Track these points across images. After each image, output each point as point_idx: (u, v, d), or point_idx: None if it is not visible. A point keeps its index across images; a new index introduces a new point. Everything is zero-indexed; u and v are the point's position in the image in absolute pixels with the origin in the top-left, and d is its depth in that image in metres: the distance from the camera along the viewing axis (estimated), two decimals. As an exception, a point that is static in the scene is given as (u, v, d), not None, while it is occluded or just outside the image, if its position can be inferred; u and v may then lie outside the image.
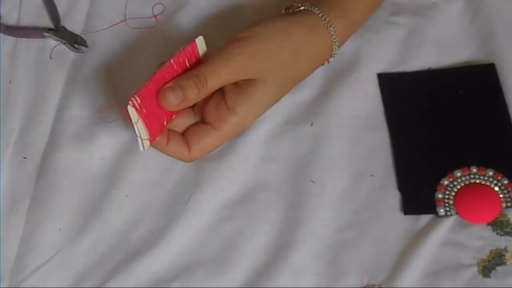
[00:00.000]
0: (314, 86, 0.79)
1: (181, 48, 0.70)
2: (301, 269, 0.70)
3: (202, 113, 0.72)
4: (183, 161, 0.73)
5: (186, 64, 0.71)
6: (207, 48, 0.72)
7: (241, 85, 0.71)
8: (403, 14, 0.82)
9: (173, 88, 0.68)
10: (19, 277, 0.71)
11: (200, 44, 0.72)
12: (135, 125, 0.67)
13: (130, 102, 0.66)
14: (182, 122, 0.72)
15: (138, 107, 0.67)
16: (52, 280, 0.71)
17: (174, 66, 0.69)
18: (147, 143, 0.69)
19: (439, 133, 0.76)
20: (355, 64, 0.80)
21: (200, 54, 0.72)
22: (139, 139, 0.68)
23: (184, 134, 0.72)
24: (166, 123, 0.71)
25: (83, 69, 0.81)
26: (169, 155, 0.72)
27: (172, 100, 0.68)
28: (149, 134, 0.69)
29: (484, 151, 0.75)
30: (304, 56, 0.74)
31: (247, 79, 0.71)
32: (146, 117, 0.68)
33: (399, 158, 0.75)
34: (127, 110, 0.66)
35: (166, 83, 0.69)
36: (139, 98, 0.67)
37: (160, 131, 0.70)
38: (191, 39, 0.71)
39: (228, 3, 0.84)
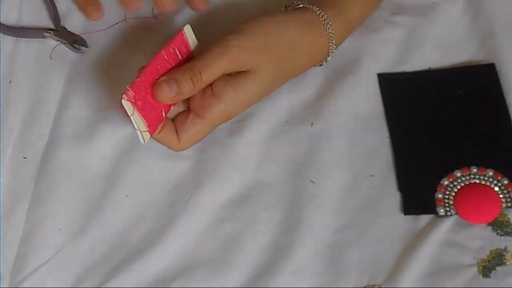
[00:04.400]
0: (314, 86, 0.79)
1: (171, 39, 0.70)
2: (301, 269, 0.70)
3: (187, 99, 0.72)
4: (172, 149, 0.73)
5: (177, 55, 0.71)
6: (204, 43, 0.73)
7: (231, 74, 0.71)
8: (403, 14, 0.82)
9: (168, 81, 0.69)
10: (19, 277, 0.71)
11: (188, 32, 0.72)
12: (131, 117, 0.68)
13: (124, 96, 0.67)
14: (171, 109, 0.72)
15: (133, 100, 0.67)
16: (52, 280, 0.71)
17: (165, 56, 0.70)
18: (146, 135, 0.69)
19: (439, 133, 0.76)
20: (355, 64, 0.80)
21: (190, 42, 0.73)
22: (138, 132, 0.68)
23: (173, 121, 0.73)
24: (165, 114, 0.71)
25: (83, 69, 0.81)
26: (160, 142, 0.72)
27: (167, 93, 0.69)
28: (148, 126, 0.69)
29: (484, 151, 0.75)
30: (299, 52, 0.74)
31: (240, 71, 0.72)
32: (142, 110, 0.68)
33: (399, 158, 0.75)
34: (122, 104, 0.67)
35: (160, 75, 0.70)
36: (133, 91, 0.67)
37: (159, 122, 0.70)
38: (179, 29, 0.72)
39: (228, 3, 0.84)
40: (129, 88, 0.67)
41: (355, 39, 0.79)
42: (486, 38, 0.81)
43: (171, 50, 0.70)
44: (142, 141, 0.69)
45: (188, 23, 0.73)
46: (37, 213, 0.74)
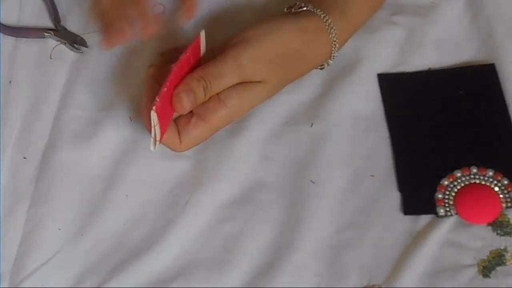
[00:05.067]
0: (314, 86, 0.79)
1: (188, 45, 0.71)
2: (301, 270, 0.70)
3: None
4: (173, 150, 0.73)
5: (190, 61, 0.72)
6: (206, 47, 0.73)
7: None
8: (403, 14, 0.82)
9: (186, 92, 0.69)
10: (19, 277, 0.71)
11: (202, 39, 0.73)
12: (153, 128, 0.68)
13: (154, 107, 0.67)
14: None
15: (158, 110, 0.67)
16: (52, 280, 0.71)
17: (183, 63, 0.70)
18: (157, 143, 0.70)
19: (439, 133, 0.76)
20: (355, 64, 0.80)
21: (201, 47, 0.73)
22: (152, 140, 0.69)
23: (175, 122, 0.73)
24: (171, 118, 0.72)
25: (83, 69, 0.81)
26: (162, 143, 0.72)
27: (186, 104, 0.69)
28: (161, 134, 0.69)
29: (484, 151, 0.75)
30: (303, 60, 0.74)
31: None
32: (161, 119, 0.68)
33: (399, 158, 0.75)
34: (149, 114, 0.67)
35: (177, 83, 0.70)
36: (161, 104, 0.67)
37: (167, 127, 0.71)
38: (196, 35, 0.72)
39: (228, 3, 0.84)
40: (157, 99, 0.67)
41: (355, 39, 0.79)
42: (486, 38, 0.81)
43: (187, 57, 0.71)
44: (153, 148, 0.69)
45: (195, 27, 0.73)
46: (37, 213, 0.74)
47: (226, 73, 0.71)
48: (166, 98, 0.69)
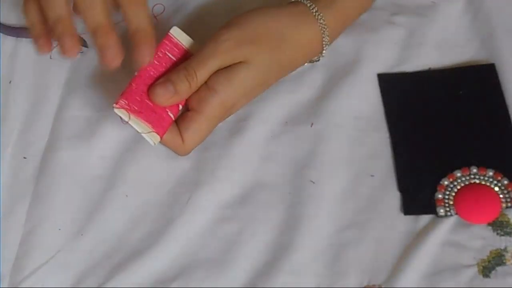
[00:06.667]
0: (314, 86, 0.79)
1: (159, 43, 0.72)
2: (301, 270, 0.70)
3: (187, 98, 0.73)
4: (178, 152, 0.73)
5: (170, 57, 0.73)
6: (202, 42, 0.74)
7: (225, 66, 0.72)
8: (403, 14, 0.82)
9: (163, 83, 0.70)
10: (19, 277, 0.71)
11: (177, 33, 0.74)
12: (129, 123, 0.69)
13: (114, 105, 0.69)
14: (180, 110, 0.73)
15: (127, 106, 0.69)
16: (52, 280, 0.71)
17: (156, 62, 0.71)
18: (154, 136, 0.70)
19: (439, 133, 0.76)
20: (355, 64, 0.80)
21: (182, 43, 0.74)
22: (144, 135, 0.69)
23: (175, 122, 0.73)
24: (174, 115, 0.72)
25: (83, 69, 0.81)
26: (165, 145, 0.72)
27: (163, 95, 0.70)
28: (153, 127, 0.70)
29: (484, 151, 0.75)
30: (291, 43, 0.74)
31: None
32: (139, 113, 0.69)
33: (399, 158, 0.75)
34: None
35: (155, 79, 0.71)
36: (126, 100, 0.69)
37: (168, 123, 0.71)
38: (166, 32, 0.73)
39: (227, 4, 0.84)
40: (119, 97, 0.69)
41: (355, 39, 0.80)
42: (486, 38, 0.81)
43: (160, 54, 0.72)
44: (152, 143, 0.70)
45: (175, 25, 0.74)
46: (37, 213, 0.74)
47: (207, 57, 0.71)
48: (142, 95, 0.70)
